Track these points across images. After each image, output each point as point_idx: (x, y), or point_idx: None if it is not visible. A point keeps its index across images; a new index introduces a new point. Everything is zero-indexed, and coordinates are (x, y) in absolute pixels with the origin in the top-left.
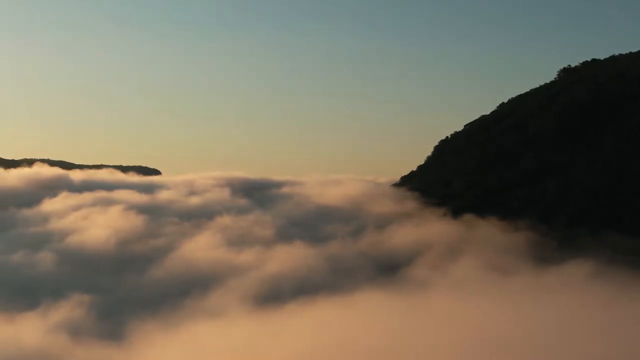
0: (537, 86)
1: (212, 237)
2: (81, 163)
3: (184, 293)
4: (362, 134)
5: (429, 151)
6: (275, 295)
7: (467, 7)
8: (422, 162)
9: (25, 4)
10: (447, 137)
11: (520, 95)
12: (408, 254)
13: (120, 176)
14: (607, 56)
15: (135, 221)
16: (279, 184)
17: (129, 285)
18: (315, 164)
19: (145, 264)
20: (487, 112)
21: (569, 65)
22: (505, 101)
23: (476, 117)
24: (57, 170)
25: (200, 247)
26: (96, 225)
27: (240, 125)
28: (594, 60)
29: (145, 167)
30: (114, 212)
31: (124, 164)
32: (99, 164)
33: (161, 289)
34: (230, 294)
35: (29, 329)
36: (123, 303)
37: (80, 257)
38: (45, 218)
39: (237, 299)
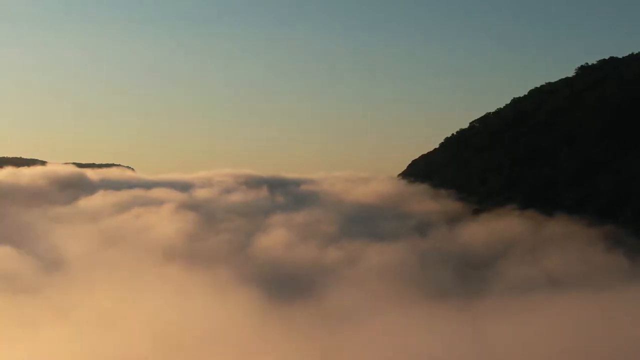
0: (542, 84)
1: (282, 234)
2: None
3: (301, 289)
4: (351, 132)
5: (420, 147)
6: (399, 292)
7: (456, 3)
8: (412, 157)
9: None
10: (452, 134)
11: (533, 91)
12: (492, 251)
13: (130, 174)
14: (606, 56)
15: (193, 219)
16: (297, 182)
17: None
18: (310, 161)
19: (232, 261)
20: (486, 109)
21: (587, 63)
22: (518, 97)
23: (475, 114)
24: (73, 169)
25: (279, 244)
26: (159, 223)
27: (225, 123)
28: (612, 58)
29: (119, 165)
30: (167, 210)
31: (97, 162)
32: (71, 162)
33: (274, 285)
34: (354, 291)
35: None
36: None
37: (171, 254)
38: (94, 216)
39: (366, 297)
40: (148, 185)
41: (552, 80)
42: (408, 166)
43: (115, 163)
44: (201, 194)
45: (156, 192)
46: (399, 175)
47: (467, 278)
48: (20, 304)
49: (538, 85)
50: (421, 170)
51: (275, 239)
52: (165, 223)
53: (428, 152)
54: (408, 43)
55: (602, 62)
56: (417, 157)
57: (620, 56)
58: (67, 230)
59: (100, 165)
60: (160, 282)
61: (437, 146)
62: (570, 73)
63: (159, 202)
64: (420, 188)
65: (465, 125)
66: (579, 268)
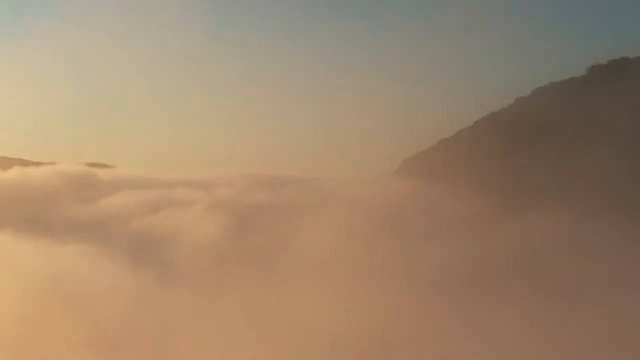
0: (546, 84)
1: (321, 233)
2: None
3: (363, 288)
4: (348, 132)
5: (414, 146)
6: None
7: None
8: (404, 157)
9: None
10: (455, 133)
11: (537, 91)
12: (538, 250)
13: (141, 173)
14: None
15: (228, 219)
16: (307, 181)
17: None
18: (307, 161)
19: (283, 260)
20: (488, 109)
21: (597, 62)
22: (521, 97)
23: (476, 114)
24: (85, 168)
25: (323, 243)
26: (195, 223)
27: (224, 123)
28: (623, 58)
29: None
30: (198, 210)
31: (99, 162)
32: (51, 161)
33: (336, 282)
34: (416, 290)
35: None
36: None
37: (221, 254)
38: (124, 216)
39: (429, 296)
40: (167, 184)
41: (556, 80)
42: (401, 165)
43: (114, 163)
44: (225, 193)
45: (180, 192)
46: (394, 174)
47: (521, 278)
48: None
49: (542, 85)
50: (421, 170)
51: (317, 237)
52: (202, 223)
53: (424, 151)
54: (409, 42)
55: (612, 62)
56: (410, 156)
57: (631, 57)
58: (102, 231)
59: (103, 165)
60: (227, 281)
61: (433, 145)
62: (575, 73)
63: (186, 202)
64: (434, 187)
65: (467, 125)
66: (632, 268)
